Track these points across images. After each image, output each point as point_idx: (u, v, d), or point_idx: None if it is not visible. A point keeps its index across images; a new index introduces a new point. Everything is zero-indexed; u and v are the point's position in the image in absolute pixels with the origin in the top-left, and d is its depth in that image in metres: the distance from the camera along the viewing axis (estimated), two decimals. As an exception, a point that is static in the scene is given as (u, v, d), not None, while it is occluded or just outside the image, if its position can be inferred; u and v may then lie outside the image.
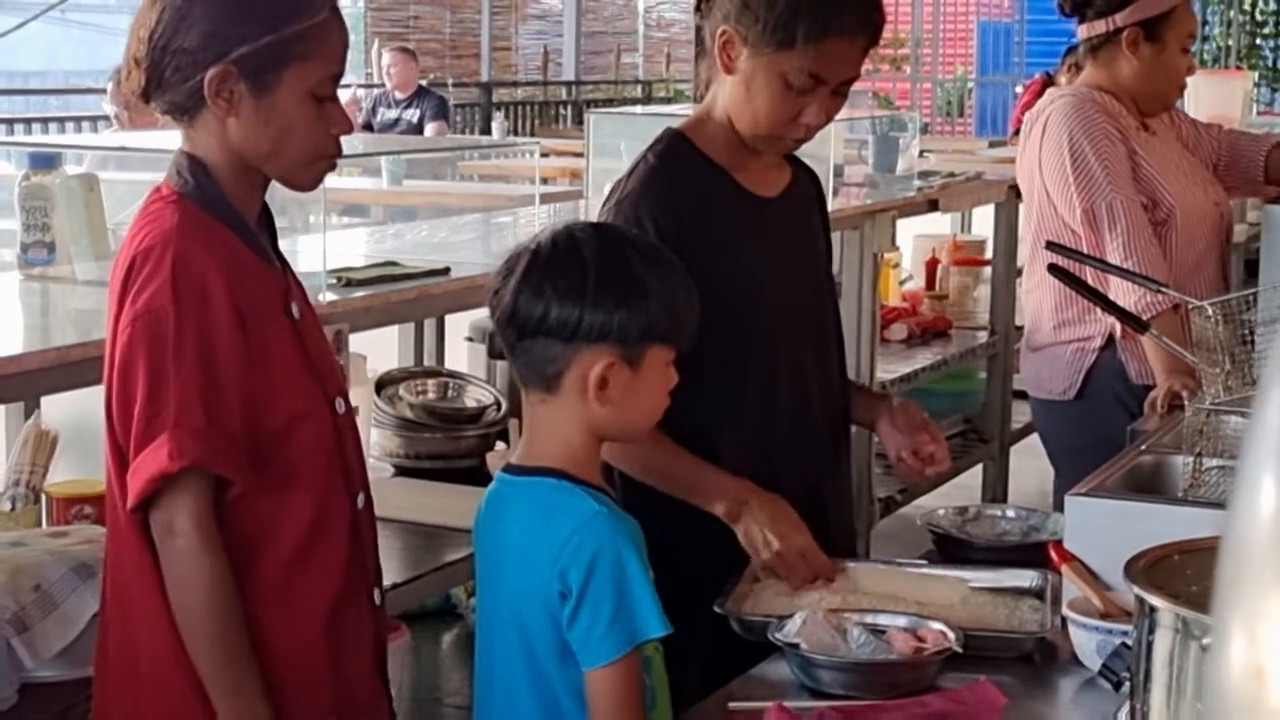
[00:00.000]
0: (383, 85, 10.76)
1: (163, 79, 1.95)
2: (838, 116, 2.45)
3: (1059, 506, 2.55)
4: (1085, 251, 3.15)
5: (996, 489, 5.63)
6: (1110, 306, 2.88)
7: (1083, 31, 3.41)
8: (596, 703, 1.87)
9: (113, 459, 1.93)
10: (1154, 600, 1.49)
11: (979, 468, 5.62)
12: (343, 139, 2.05)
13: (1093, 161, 3.24)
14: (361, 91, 11.12)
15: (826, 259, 2.62)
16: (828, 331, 2.56)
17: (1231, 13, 17.98)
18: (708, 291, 2.30)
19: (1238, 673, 0.43)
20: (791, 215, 2.51)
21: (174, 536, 1.87)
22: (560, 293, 1.91)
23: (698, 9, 2.43)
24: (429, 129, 10.21)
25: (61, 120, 10.83)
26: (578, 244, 1.95)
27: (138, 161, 3.54)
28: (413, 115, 10.32)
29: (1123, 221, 3.20)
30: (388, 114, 10.37)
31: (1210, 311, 2.42)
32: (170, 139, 2.11)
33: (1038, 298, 3.44)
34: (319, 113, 1.97)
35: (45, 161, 3.13)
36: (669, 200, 2.36)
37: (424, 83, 11.11)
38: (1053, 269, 2.88)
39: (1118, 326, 3.26)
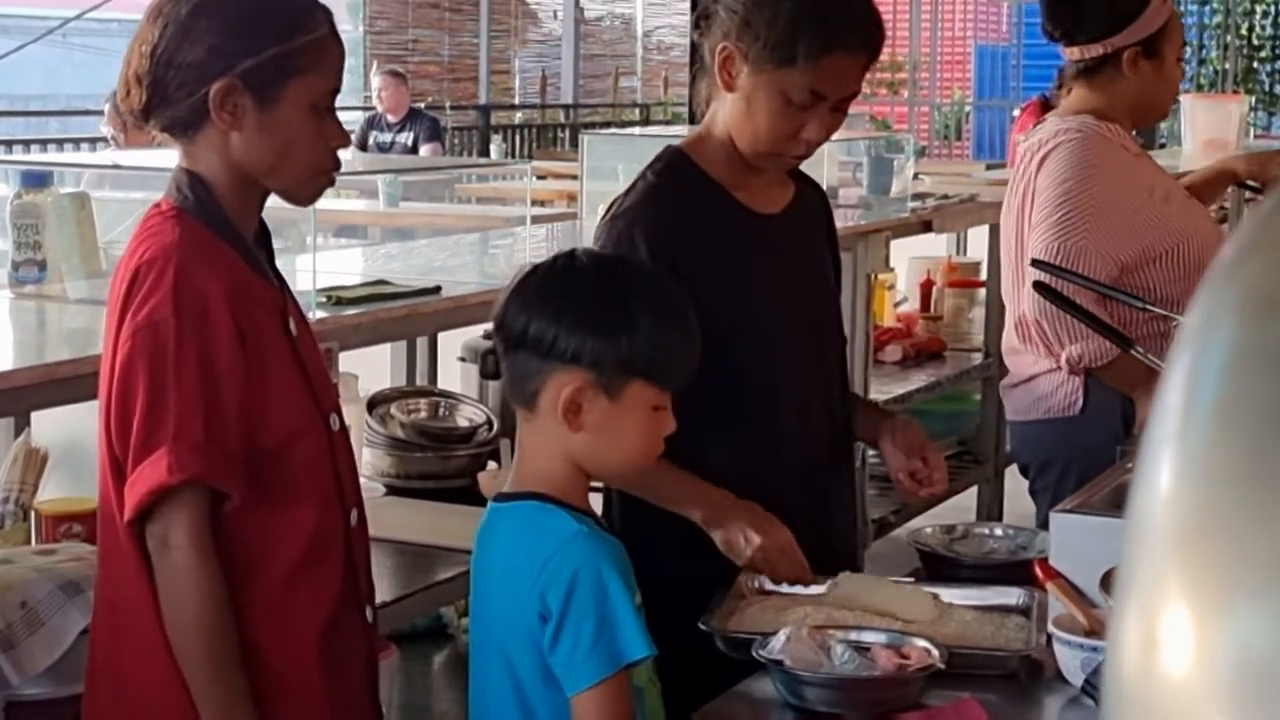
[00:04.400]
0: (375, 109, 10.78)
1: (166, 94, 1.95)
2: (833, 138, 2.45)
3: (1043, 524, 2.55)
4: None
5: (992, 510, 5.62)
6: (1098, 325, 2.88)
7: (1073, 54, 3.34)
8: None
9: (110, 472, 1.94)
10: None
11: (973, 489, 5.61)
12: (342, 160, 2.07)
13: (1079, 208, 3.19)
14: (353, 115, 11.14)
15: (835, 274, 2.62)
16: (831, 348, 2.56)
17: (1229, 37, 18.03)
18: (706, 310, 2.31)
19: (1132, 652, 0.43)
20: (794, 232, 2.51)
21: (170, 550, 1.88)
22: (541, 309, 1.93)
23: (696, 26, 2.43)
24: (424, 151, 10.21)
25: (60, 142, 10.85)
26: (574, 267, 1.98)
27: (130, 180, 3.55)
28: (407, 138, 10.32)
29: (1088, 269, 3.16)
30: (381, 137, 10.36)
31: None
32: (162, 158, 2.12)
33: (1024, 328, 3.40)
34: (320, 126, 1.99)
35: (37, 180, 3.14)
36: (665, 219, 2.37)
37: (421, 105, 11.11)
38: (1039, 286, 2.88)
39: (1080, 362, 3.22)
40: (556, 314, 1.92)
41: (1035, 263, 3.08)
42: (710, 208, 2.41)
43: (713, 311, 2.35)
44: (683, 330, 2.00)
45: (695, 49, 2.45)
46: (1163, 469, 0.42)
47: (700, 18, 2.41)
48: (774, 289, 2.45)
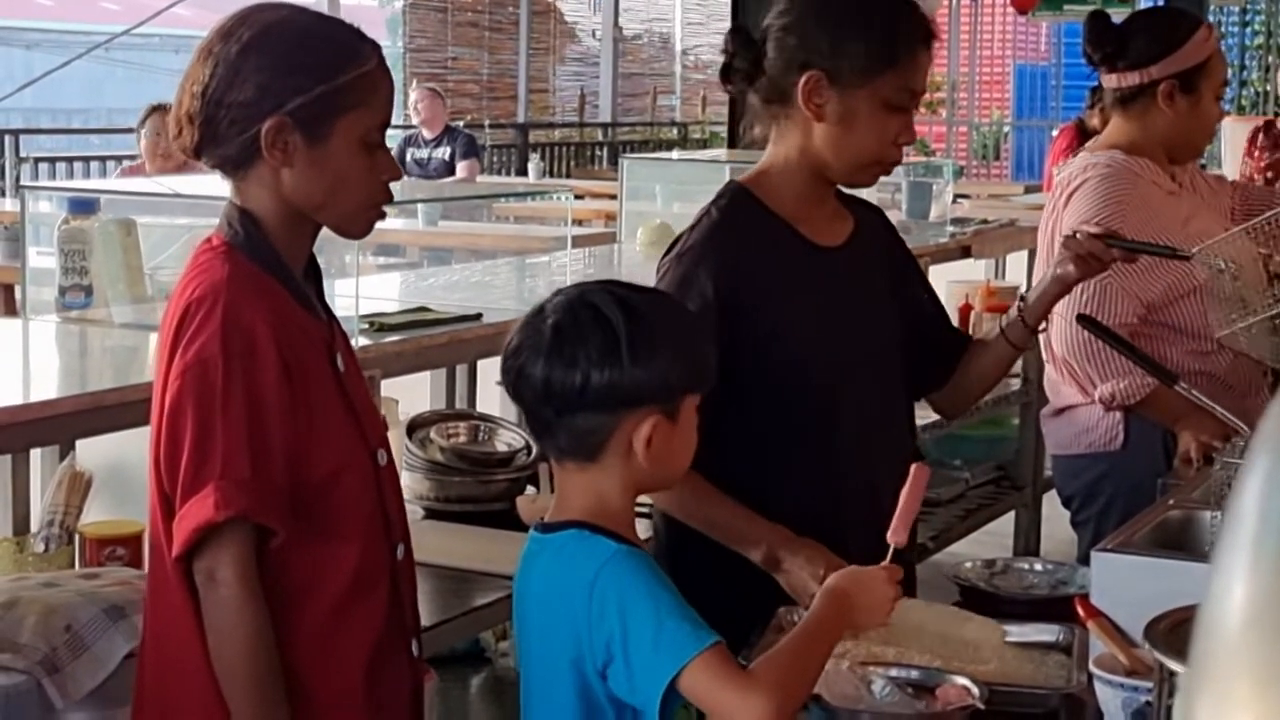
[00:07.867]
0: (412, 126, 10.84)
1: (217, 133, 1.96)
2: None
3: (1084, 558, 2.54)
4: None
5: (1029, 537, 5.60)
6: (1142, 360, 2.86)
7: (1111, 81, 3.33)
8: (699, 699, 1.81)
9: (159, 506, 1.95)
10: (1173, 664, 1.49)
11: (1011, 515, 5.59)
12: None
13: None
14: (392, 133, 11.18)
15: (919, 279, 2.66)
16: (895, 378, 2.55)
17: (1270, 58, 17.93)
18: (771, 343, 2.32)
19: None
20: (856, 263, 2.51)
21: (216, 586, 1.89)
22: (595, 361, 1.88)
23: (728, 76, 2.42)
24: (460, 168, 10.26)
25: (102, 159, 10.91)
26: (596, 308, 1.91)
27: (175, 206, 3.58)
28: (443, 154, 10.37)
29: (1114, 308, 3.14)
30: (418, 154, 10.42)
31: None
32: (206, 184, 2.14)
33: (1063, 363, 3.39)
34: (370, 161, 2.00)
35: (84, 206, 3.17)
36: (730, 256, 2.38)
37: (459, 123, 11.17)
38: (1082, 319, 2.87)
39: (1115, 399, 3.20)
40: (614, 361, 1.88)
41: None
42: (774, 243, 2.42)
43: (777, 344, 2.37)
44: (700, 328, 2.03)
45: (735, 103, 2.46)
46: (1235, 584, 0.42)
47: (750, 64, 2.40)
48: (838, 321, 2.46)
